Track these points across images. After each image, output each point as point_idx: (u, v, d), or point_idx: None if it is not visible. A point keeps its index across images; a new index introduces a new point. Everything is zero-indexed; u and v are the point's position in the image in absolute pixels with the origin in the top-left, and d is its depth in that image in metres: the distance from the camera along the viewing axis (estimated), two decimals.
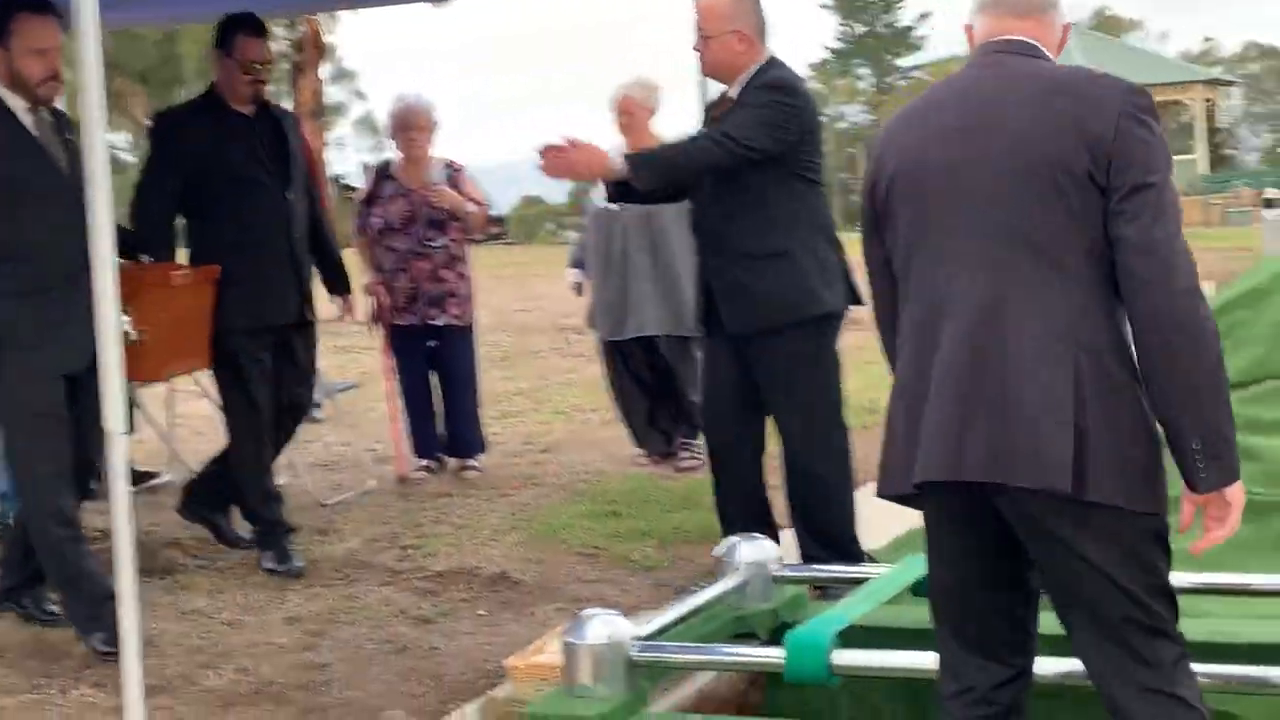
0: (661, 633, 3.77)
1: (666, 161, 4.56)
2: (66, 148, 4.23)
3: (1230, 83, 38.13)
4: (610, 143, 6.66)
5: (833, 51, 63.66)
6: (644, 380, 6.65)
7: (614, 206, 6.46)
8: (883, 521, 5.20)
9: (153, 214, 5.03)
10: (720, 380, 4.67)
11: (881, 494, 2.64)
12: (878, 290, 2.72)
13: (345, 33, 21.42)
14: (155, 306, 4.60)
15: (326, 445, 7.21)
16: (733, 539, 4.31)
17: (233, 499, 5.30)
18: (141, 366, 4.51)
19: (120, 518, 3.25)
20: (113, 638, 3.71)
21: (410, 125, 6.41)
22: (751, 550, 4.21)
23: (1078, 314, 2.37)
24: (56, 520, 4.22)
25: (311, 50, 15.74)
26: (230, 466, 5.23)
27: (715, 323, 4.62)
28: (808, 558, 4.55)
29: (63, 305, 4.06)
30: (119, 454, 3.25)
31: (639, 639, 3.59)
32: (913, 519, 5.33)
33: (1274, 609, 3.99)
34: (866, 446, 7.05)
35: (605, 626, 3.57)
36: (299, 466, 6.25)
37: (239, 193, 4.99)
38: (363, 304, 6.17)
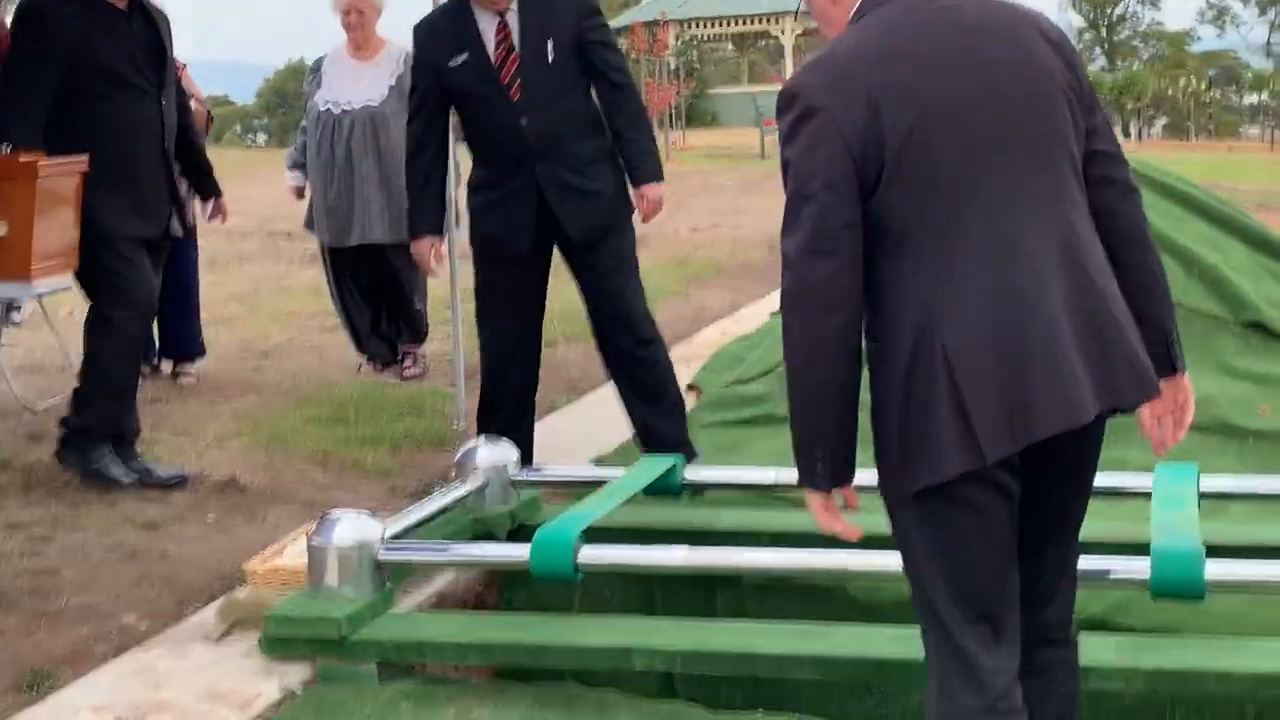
0: (405, 534, 3.84)
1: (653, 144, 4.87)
2: None
3: None
4: (335, 43, 6.58)
5: None
6: (367, 287, 6.62)
7: (335, 110, 6.39)
8: (603, 429, 5.42)
9: (20, 102, 4.64)
10: (522, 289, 4.77)
11: (989, 460, 2.24)
12: (839, 263, 2.26)
13: None
14: (20, 199, 4.35)
15: (30, 350, 6.91)
16: (472, 442, 4.41)
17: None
18: (6, 263, 4.33)
19: None
20: None
21: None
22: (490, 454, 4.31)
23: (1095, 232, 2.42)
24: None
25: None
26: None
27: (543, 235, 4.71)
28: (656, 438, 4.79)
29: None
30: None
31: (386, 540, 3.66)
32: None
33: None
34: (580, 357, 7.23)
35: (352, 528, 3.62)
36: (4, 370, 5.98)
37: (111, 92, 4.70)
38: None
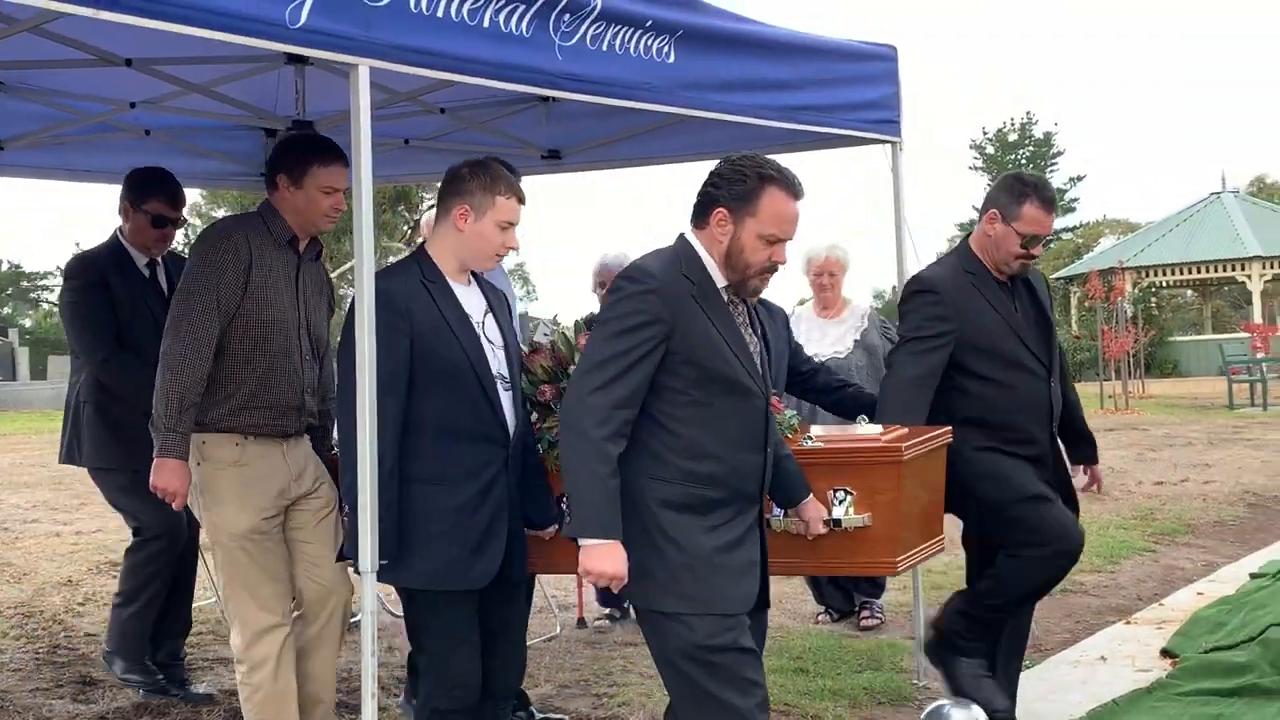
0: None
1: None
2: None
3: None
4: (800, 303, 6.85)
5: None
6: None
7: None
8: None
9: (910, 382, 4.50)
10: None
11: None
12: None
13: None
14: (884, 484, 3.93)
15: None
16: (939, 702, 4.35)
17: None
18: (869, 556, 3.97)
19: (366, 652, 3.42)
20: None
21: (608, 283, 6.61)
22: (962, 715, 4.23)
23: None
24: None
25: None
26: None
27: None
28: None
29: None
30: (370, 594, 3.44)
31: None
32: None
33: None
34: None
35: None
36: None
37: (1001, 374, 4.54)
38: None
